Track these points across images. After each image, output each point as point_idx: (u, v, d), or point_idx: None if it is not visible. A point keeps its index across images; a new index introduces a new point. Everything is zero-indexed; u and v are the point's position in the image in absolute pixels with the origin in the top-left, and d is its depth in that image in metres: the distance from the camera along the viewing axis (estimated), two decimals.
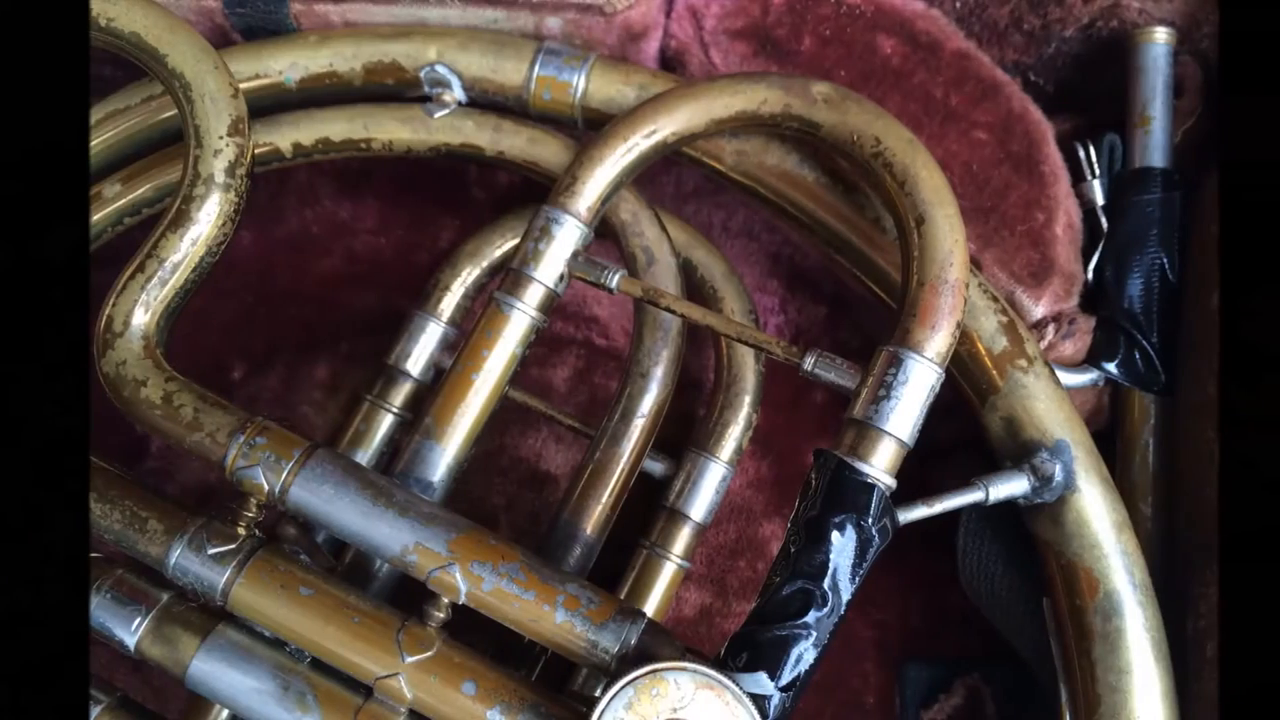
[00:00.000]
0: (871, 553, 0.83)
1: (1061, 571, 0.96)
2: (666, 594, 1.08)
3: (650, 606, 1.07)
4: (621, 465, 1.02)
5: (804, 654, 0.81)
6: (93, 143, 1.12)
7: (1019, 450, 0.97)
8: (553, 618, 0.83)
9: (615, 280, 0.96)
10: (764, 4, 1.16)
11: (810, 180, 1.05)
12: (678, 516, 1.09)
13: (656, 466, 1.10)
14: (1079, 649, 0.94)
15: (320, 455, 0.89)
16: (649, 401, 1.02)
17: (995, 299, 1.00)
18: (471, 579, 0.84)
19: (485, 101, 1.12)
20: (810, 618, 0.81)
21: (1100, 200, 1.15)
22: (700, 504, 1.09)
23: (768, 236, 1.28)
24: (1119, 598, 0.93)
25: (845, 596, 0.82)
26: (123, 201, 1.11)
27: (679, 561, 1.08)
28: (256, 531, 0.90)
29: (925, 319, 0.87)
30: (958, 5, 1.23)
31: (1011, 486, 0.94)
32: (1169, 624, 0.95)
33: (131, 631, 0.89)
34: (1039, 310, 1.07)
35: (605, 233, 1.06)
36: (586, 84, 1.09)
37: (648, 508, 1.11)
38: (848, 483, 0.84)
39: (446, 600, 0.85)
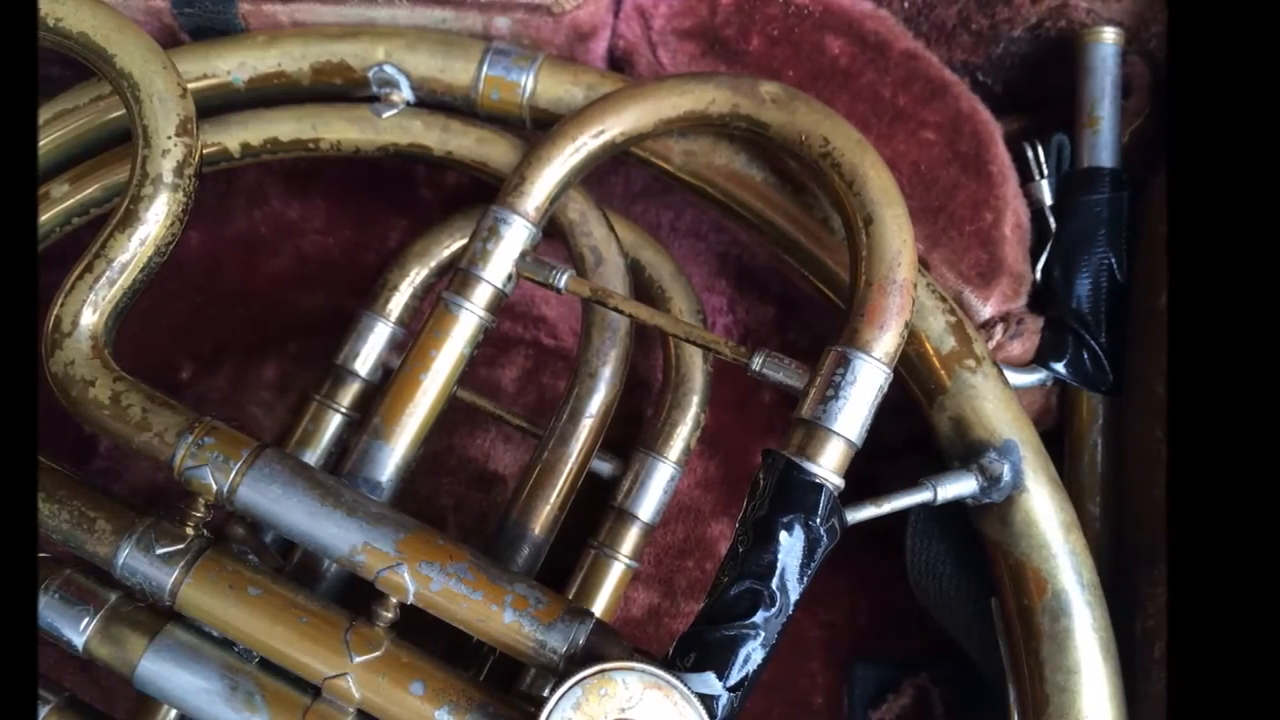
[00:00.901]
0: (820, 552, 0.83)
1: (1009, 571, 0.96)
2: (614, 594, 1.08)
3: (598, 606, 1.07)
4: (570, 465, 1.02)
5: (752, 654, 0.81)
6: (41, 143, 1.11)
7: (967, 450, 0.97)
8: (501, 618, 0.83)
9: (563, 280, 0.96)
10: (712, 4, 1.16)
11: (758, 180, 1.05)
12: (626, 516, 1.09)
13: (605, 466, 1.10)
14: (1027, 649, 0.95)
15: (268, 455, 0.88)
16: (597, 401, 1.02)
17: (943, 299, 1.00)
18: (420, 579, 0.84)
19: (433, 101, 1.12)
20: (758, 618, 0.81)
21: (1049, 200, 1.16)
22: (648, 504, 1.10)
23: (715, 237, 1.28)
24: (1067, 598, 0.94)
25: (793, 597, 0.82)
26: (71, 202, 1.11)
27: (627, 561, 1.08)
28: (205, 532, 0.90)
29: (873, 319, 0.87)
30: (906, 5, 1.23)
31: (959, 487, 0.94)
32: (1117, 624, 0.96)
33: (80, 631, 0.89)
34: (987, 310, 1.07)
35: (553, 232, 1.06)
36: (535, 84, 1.08)
37: (596, 507, 1.11)
38: (796, 483, 0.84)
39: (395, 600, 0.85)
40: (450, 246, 1.17)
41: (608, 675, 0.77)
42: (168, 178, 0.93)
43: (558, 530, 1.02)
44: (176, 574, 0.87)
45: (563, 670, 0.83)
